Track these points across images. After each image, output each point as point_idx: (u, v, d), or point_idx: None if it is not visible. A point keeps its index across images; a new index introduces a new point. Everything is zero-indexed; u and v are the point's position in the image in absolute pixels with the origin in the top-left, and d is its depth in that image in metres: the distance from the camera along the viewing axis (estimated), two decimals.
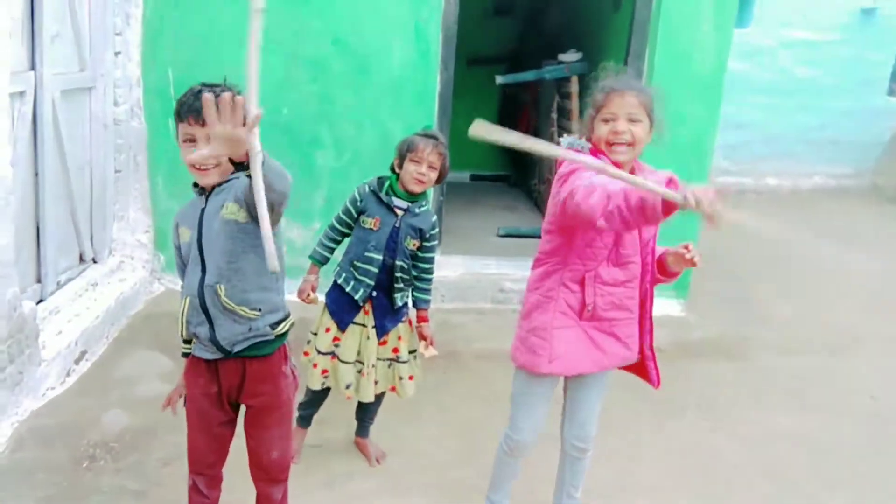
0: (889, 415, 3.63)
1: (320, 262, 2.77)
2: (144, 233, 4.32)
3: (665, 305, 4.70)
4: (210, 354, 1.99)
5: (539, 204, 6.53)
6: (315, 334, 2.74)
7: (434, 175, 2.61)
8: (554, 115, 5.90)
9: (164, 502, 2.50)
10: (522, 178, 7.31)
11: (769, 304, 5.06)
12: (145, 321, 3.96)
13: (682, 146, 4.50)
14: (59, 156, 3.51)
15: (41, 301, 3.40)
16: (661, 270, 2.25)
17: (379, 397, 2.82)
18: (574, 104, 5.50)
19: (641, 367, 2.34)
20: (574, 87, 5.49)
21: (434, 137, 2.62)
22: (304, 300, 2.72)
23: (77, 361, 3.31)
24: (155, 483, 2.63)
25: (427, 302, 2.77)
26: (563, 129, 5.72)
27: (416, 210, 2.65)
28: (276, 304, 2.01)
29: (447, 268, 4.65)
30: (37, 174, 3.36)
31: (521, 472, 2.50)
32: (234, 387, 2.03)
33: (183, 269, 2.02)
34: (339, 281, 2.68)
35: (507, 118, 7.82)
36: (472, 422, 3.25)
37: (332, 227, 2.75)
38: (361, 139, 4.37)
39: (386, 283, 2.65)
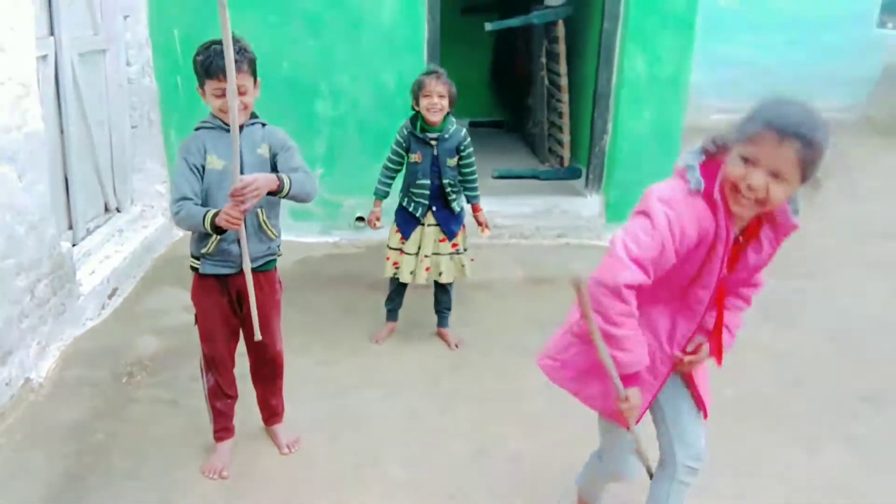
0: (857, 329, 3.89)
1: (383, 196, 3.42)
2: (162, 183, 4.68)
3: None
4: (229, 269, 2.40)
5: (534, 147, 6.81)
6: (388, 243, 3.43)
7: (445, 102, 3.16)
8: (543, 60, 6.14)
9: (194, 409, 2.88)
10: (518, 124, 7.56)
11: None
12: (168, 262, 4.36)
13: (660, 82, 4.78)
14: (80, 114, 3.86)
15: (73, 245, 3.78)
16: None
17: (447, 288, 3.50)
18: (561, 48, 5.74)
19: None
20: (560, 30, 5.72)
21: (435, 72, 3.16)
22: (372, 227, 3.41)
23: (110, 297, 3.72)
24: (185, 394, 3.04)
25: (477, 197, 3.45)
26: (553, 73, 5.97)
27: (446, 135, 3.23)
28: (280, 230, 2.50)
29: None
30: (62, 131, 3.71)
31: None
32: (242, 296, 2.45)
33: (192, 189, 2.27)
34: (403, 204, 3.34)
35: (501, 64, 8.05)
36: (463, 341, 3.63)
37: (387, 167, 3.37)
38: (357, 89, 4.67)
39: (440, 198, 3.29)
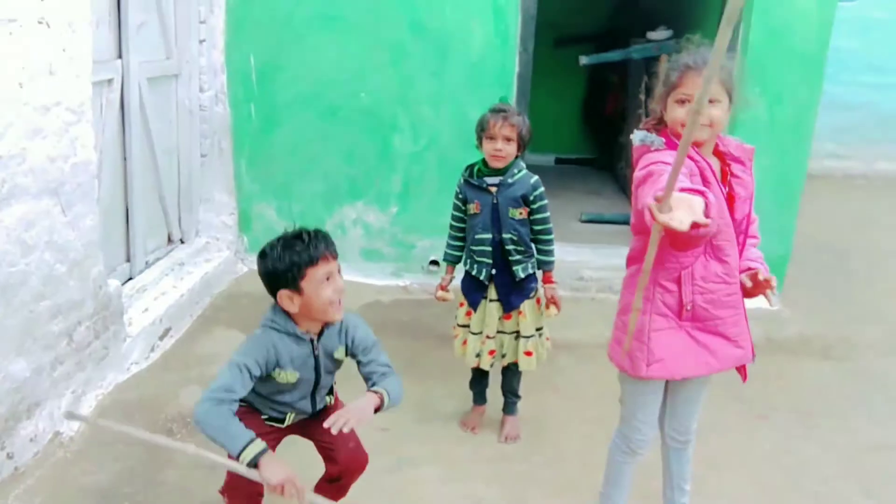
0: None
1: (452, 261, 2.98)
2: (230, 215, 4.45)
3: (757, 298, 4.45)
4: (292, 420, 2.19)
5: (625, 188, 6.32)
6: (456, 317, 2.98)
7: (512, 147, 2.69)
8: (642, 97, 5.65)
9: None
10: (609, 162, 7.10)
11: (876, 301, 4.67)
12: (228, 300, 4.09)
13: (781, 126, 4.25)
14: (146, 141, 3.66)
15: (130, 279, 3.57)
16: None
17: (513, 370, 2.97)
18: None
19: None
20: (663, 66, 5.26)
21: (503, 111, 2.69)
22: (437, 298, 2.96)
23: (161, 338, 3.46)
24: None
25: (548, 263, 2.86)
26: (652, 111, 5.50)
27: (510, 181, 2.73)
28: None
29: None
30: (125, 159, 3.52)
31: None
32: (298, 430, 2.24)
33: (243, 387, 1.96)
34: (467, 268, 2.88)
35: (593, 99, 7.61)
36: (538, 413, 3.19)
37: (451, 227, 2.93)
38: (439, 123, 4.34)
39: (501, 259, 2.79)
